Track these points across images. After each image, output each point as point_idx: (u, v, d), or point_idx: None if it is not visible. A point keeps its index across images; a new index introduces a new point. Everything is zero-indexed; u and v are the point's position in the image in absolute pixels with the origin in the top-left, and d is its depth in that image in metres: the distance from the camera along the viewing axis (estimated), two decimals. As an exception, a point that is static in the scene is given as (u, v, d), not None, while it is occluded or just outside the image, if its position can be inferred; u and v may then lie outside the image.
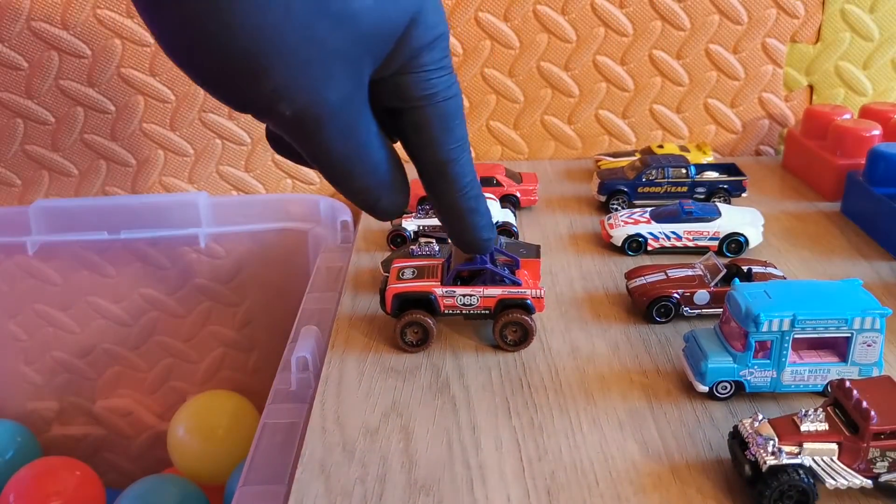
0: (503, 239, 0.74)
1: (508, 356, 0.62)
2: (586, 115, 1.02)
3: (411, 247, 0.74)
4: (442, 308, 0.63)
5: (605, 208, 0.87)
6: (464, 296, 0.63)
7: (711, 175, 0.87)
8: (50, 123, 0.96)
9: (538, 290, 0.63)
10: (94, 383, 1.07)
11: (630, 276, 0.69)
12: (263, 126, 0.98)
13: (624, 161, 0.93)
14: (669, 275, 0.68)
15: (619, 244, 0.78)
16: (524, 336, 0.63)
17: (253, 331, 1.07)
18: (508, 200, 0.87)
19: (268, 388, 1.07)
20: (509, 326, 0.63)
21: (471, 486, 0.49)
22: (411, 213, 0.83)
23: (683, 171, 0.86)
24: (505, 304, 0.63)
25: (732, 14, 0.96)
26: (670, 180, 0.86)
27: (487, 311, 0.63)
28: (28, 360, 1.05)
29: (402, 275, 0.65)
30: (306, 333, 0.67)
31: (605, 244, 0.79)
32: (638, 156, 0.94)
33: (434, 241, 0.74)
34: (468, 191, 0.51)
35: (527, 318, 0.62)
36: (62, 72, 0.93)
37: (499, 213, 0.80)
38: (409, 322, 0.63)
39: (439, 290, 0.63)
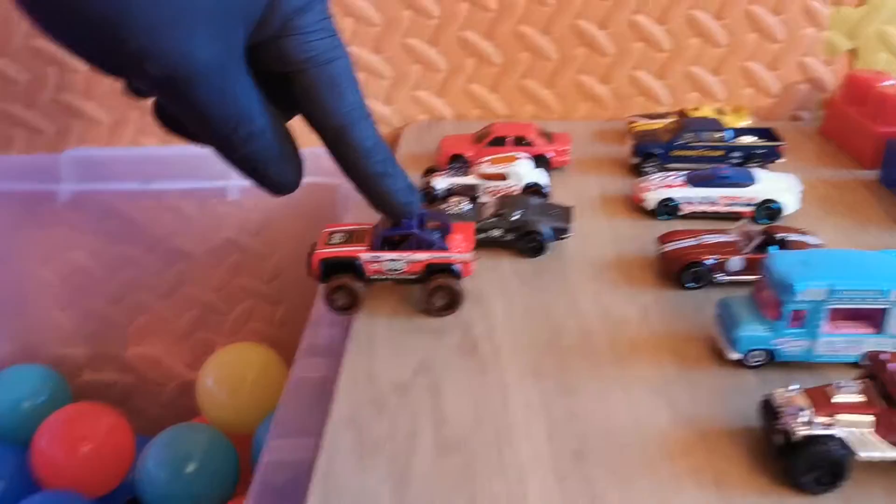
0: (534, 199, 0.73)
1: (538, 319, 0.62)
2: (620, 76, 1.00)
3: (442, 206, 0.73)
4: (369, 273, 0.62)
5: (637, 171, 0.86)
6: (390, 261, 0.62)
7: (747, 140, 0.86)
8: (81, 71, 0.96)
9: (466, 255, 0.62)
10: (125, 331, 1.09)
11: (663, 240, 0.69)
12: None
13: (658, 123, 0.92)
14: (703, 240, 0.67)
15: (652, 207, 0.77)
16: (453, 301, 0.62)
17: (281, 284, 1.08)
18: (540, 161, 0.86)
19: (295, 341, 1.08)
20: (438, 291, 0.62)
21: (499, 446, 0.50)
22: (442, 170, 0.82)
23: (719, 135, 0.85)
24: (432, 269, 0.61)
25: (776, -26, 0.94)
26: (705, 144, 0.85)
27: (415, 277, 0.62)
28: (60, 307, 1.07)
29: (332, 239, 0.64)
30: (337, 290, 0.67)
31: (638, 207, 0.79)
32: (673, 118, 0.93)
33: (467, 199, 0.74)
34: (373, 156, 0.50)
35: (454, 283, 0.61)
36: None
37: (530, 173, 0.79)
38: (336, 286, 0.62)
39: (365, 256, 0.62)
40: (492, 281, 0.67)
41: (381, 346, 0.59)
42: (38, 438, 0.91)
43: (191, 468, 0.87)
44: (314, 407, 0.57)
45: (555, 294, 0.66)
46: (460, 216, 0.71)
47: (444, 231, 0.63)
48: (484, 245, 0.71)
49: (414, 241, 0.61)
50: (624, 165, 0.89)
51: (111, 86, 0.96)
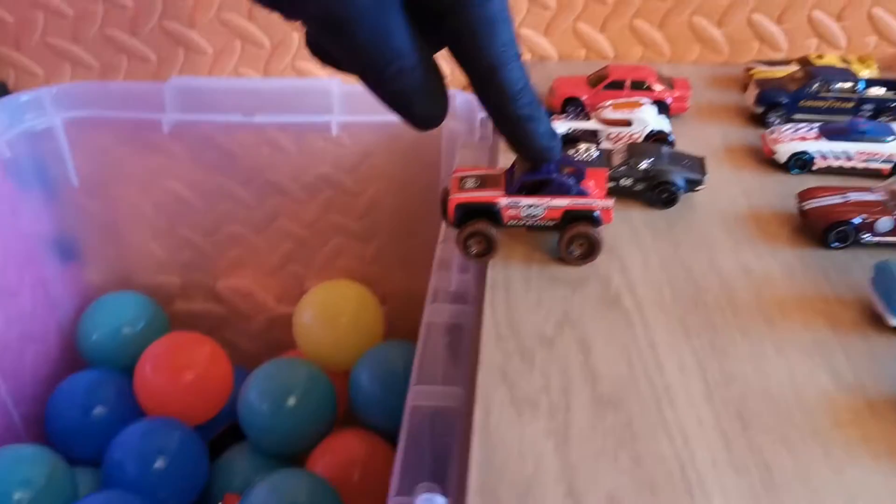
0: (666, 148, 0.71)
1: (678, 274, 0.60)
2: (738, 18, 0.96)
3: (568, 152, 0.71)
4: (505, 219, 0.60)
5: (760, 121, 0.83)
6: (529, 206, 0.59)
7: (880, 92, 0.82)
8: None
9: (606, 202, 0.59)
10: (217, 262, 1.09)
11: (804, 196, 0.66)
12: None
13: (781, 71, 0.88)
14: (849, 198, 0.64)
15: (783, 161, 0.74)
16: (591, 250, 0.60)
17: (373, 222, 1.07)
18: (659, 107, 0.83)
19: (384, 280, 1.09)
20: (576, 240, 0.60)
21: (659, 405, 0.48)
22: (560, 114, 0.80)
23: (850, 85, 0.81)
24: (571, 217, 0.59)
25: (917, -87, 0.88)
26: (836, 95, 0.81)
27: (553, 223, 0.60)
28: (155, 236, 1.07)
29: (464, 184, 0.62)
30: (466, 235, 0.65)
31: (765, 159, 0.76)
32: (795, 66, 0.89)
33: (593, 147, 0.71)
34: (521, 98, 0.49)
35: (593, 230, 0.59)
36: (200, -55, 0.91)
37: (654, 120, 0.76)
38: (472, 232, 0.60)
39: (504, 201, 0.59)
40: (623, 232, 0.65)
41: (520, 296, 0.58)
42: (141, 367, 0.92)
43: (292, 402, 0.88)
44: (454, 355, 0.57)
45: (690, 248, 0.64)
46: (589, 163, 0.69)
47: (579, 177, 0.61)
48: (613, 194, 0.69)
49: (554, 187, 0.59)
50: (745, 114, 0.86)
51: (215, 14, 0.95)
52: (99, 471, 0.89)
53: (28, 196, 0.95)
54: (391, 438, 0.91)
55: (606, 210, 0.59)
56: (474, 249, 0.61)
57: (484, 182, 0.62)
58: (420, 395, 0.53)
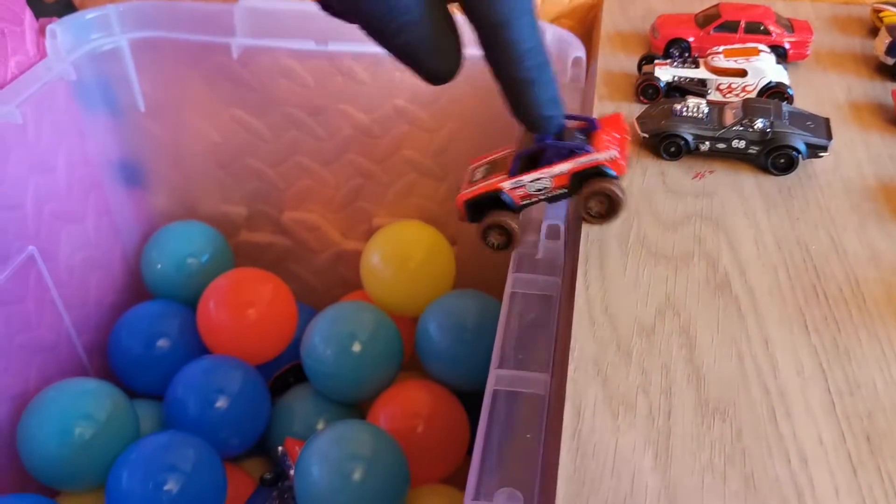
0: (787, 107, 0.63)
1: (795, 255, 0.54)
2: (870, -49, 0.85)
3: (675, 105, 0.64)
4: (517, 201, 0.55)
5: (892, 74, 0.73)
6: (533, 181, 0.54)
7: None
8: (260, -87, 0.87)
9: (610, 152, 0.52)
10: (283, 194, 1.05)
11: (945, 170, 0.58)
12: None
13: (917, 15, 0.78)
14: None
15: (919, 124, 0.65)
16: (612, 206, 0.54)
17: (447, 160, 1.01)
18: (776, 52, 0.74)
19: (457, 221, 1.03)
20: (593, 198, 0.54)
21: (773, 415, 0.43)
22: (664, 59, 0.72)
23: None
24: (581, 177, 0.53)
25: None
26: (983, 47, 0.71)
27: (566, 190, 0.54)
28: (221, 163, 1.03)
29: (474, 176, 0.58)
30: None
31: (896, 120, 0.67)
32: (933, 9, 0.78)
33: (704, 101, 0.64)
34: (527, 59, 0.44)
35: (608, 185, 0.53)
36: None
37: (772, 71, 0.68)
38: (488, 226, 0.56)
39: (507, 184, 0.54)
40: (734, 202, 0.59)
41: (615, 275, 0.52)
42: (205, 302, 0.90)
43: (357, 348, 0.84)
44: (540, 335, 0.52)
45: (809, 225, 0.57)
46: (697, 120, 0.62)
47: (589, 130, 0.54)
48: (722, 156, 0.62)
49: (550, 153, 0.53)
50: (871, 64, 0.76)
51: (290, -70, 0.88)
52: (161, 404, 0.88)
53: (94, 119, 0.92)
54: (457, 391, 0.87)
55: (613, 161, 0.53)
56: (494, 242, 0.56)
57: (492, 168, 0.57)
58: (503, 380, 0.48)
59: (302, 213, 1.07)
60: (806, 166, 0.62)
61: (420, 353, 0.88)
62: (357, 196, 1.05)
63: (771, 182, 0.61)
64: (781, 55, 0.75)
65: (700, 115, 0.62)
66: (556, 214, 0.58)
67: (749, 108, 0.62)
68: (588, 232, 0.56)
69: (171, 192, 1.04)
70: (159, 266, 0.96)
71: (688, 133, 0.62)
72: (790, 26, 0.76)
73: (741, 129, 0.61)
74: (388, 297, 0.92)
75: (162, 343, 0.91)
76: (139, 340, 0.90)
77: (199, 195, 1.05)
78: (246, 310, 0.89)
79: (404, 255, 0.91)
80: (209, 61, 0.93)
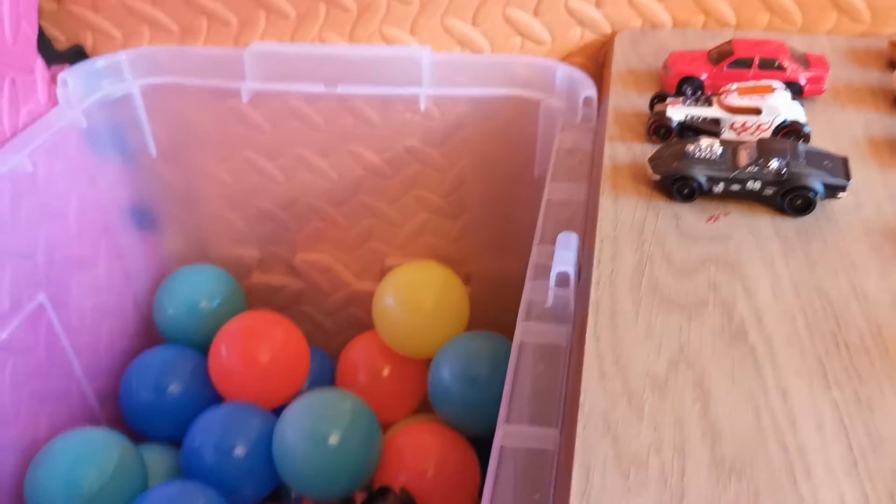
0: (803, 147, 0.61)
1: (814, 301, 0.52)
2: (885, -18, 0.83)
3: (687, 146, 0.62)
4: None
5: (911, 108, 0.72)
6: None
7: None
8: (270, -42, 0.88)
9: None
10: (296, 236, 1.05)
11: (969, 210, 0.56)
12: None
13: (936, 48, 0.76)
14: None
15: (941, 161, 0.63)
16: None
17: (460, 199, 1.00)
18: (791, 89, 0.72)
19: (470, 259, 1.02)
20: None
21: (792, 475, 0.41)
22: (676, 98, 0.70)
23: None
24: None
25: None
26: None
27: None
28: (233, 206, 1.03)
29: None
30: (565, 242, 0.58)
31: (917, 157, 0.65)
32: (953, 42, 0.77)
33: (717, 142, 0.62)
34: None
35: None
36: None
37: (787, 108, 0.66)
38: None
39: None
40: (749, 246, 0.57)
41: (627, 324, 0.51)
42: (216, 347, 0.89)
43: (333, 441, 0.80)
44: (549, 387, 0.50)
45: (829, 269, 0.55)
46: (711, 162, 0.61)
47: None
48: (737, 197, 0.61)
49: None
50: (890, 98, 0.75)
51: (299, -25, 0.88)
52: (173, 449, 0.87)
53: (105, 164, 0.92)
54: (469, 436, 0.85)
55: None
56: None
57: None
58: (510, 436, 0.46)
59: (314, 254, 1.06)
60: (824, 207, 0.60)
61: (432, 398, 0.86)
62: (369, 236, 1.04)
63: (788, 224, 0.59)
64: (797, 91, 0.73)
65: (713, 156, 0.61)
66: (567, 260, 0.56)
67: (764, 149, 0.60)
68: (599, 278, 0.54)
69: (183, 235, 1.04)
70: (171, 311, 0.95)
71: (701, 175, 0.60)
72: (805, 61, 0.75)
73: (756, 169, 0.59)
74: (400, 339, 0.91)
75: (173, 389, 0.90)
76: (150, 386, 0.90)
77: (212, 238, 1.05)
78: (258, 354, 0.88)
79: (417, 297, 0.90)
80: (220, 105, 0.93)
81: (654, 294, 0.53)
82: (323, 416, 0.80)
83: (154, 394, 0.89)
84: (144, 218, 1.00)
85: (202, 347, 0.93)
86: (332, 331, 1.10)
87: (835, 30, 0.87)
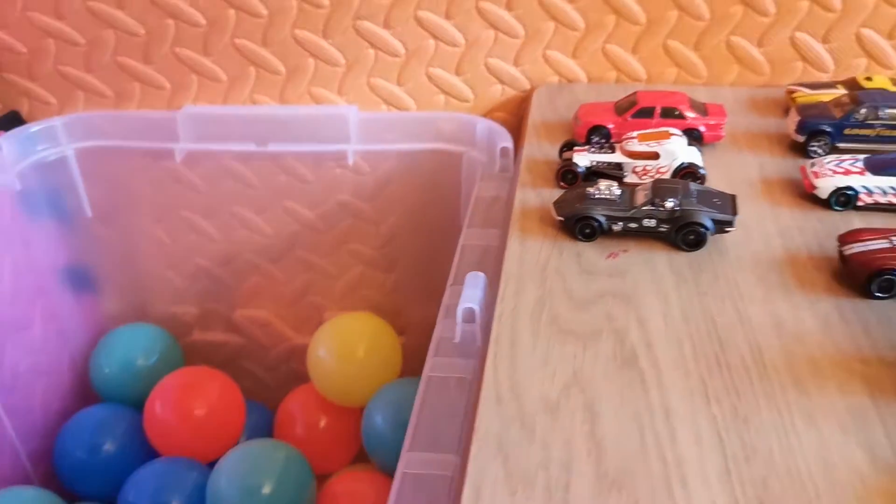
0: (694, 186, 0.65)
1: (701, 328, 0.55)
2: (780, 38, 0.89)
3: (588, 188, 0.66)
4: None
5: (802, 150, 0.76)
6: None
7: (935, 118, 0.75)
8: (201, 26, 0.91)
9: None
10: (234, 292, 1.07)
11: (844, 240, 0.60)
12: (418, 37, 0.91)
13: (825, 95, 0.81)
14: (895, 242, 0.58)
15: (825, 197, 0.68)
16: None
17: (393, 251, 1.03)
18: (691, 135, 0.77)
19: (405, 310, 1.04)
20: None
21: (669, 485, 0.43)
22: (583, 145, 0.75)
23: (901, 111, 0.74)
24: None
25: (976, -77, 0.81)
26: (885, 122, 0.74)
27: None
28: (171, 265, 1.05)
29: None
30: (473, 281, 0.61)
31: (805, 195, 0.70)
32: (841, 88, 0.82)
33: (616, 184, 0.66)
34: None
35: None
36: (214, -30, 0.88)
37: (683, 152, 0.71)
38: None
39: None
40: (645, 279, 0.60)
41: (525, 353, 0.53)
42: (151, 403, 0.90)
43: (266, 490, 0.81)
44: (452, 417, 0.52)
45: (717, 297, 0.58)
46: (610, 202, 0.64)
47: None
48: (636, 235, 0.64)
49: None
50: (785, 143, 0.80)
51: (229, 41, 0.92)
52: (107, 509, 0.87)
53: (40, 227, 0.94)
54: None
55: None
56: None
57: None
58: (412, 463, 0.48)
59: (253, 310, 1.08)
60: (717, 242, 0.64)
61: (367, 445, 0.87)
62: (307, 291, 1.06)
63: (682, 258, 0.63)
64: (697, 138, 0.78)
65: (612, 197, 0.65)
66: (473, 297, 0.59)
67: (658, 189, 0.64)
68: (501, 313, 0.57)
69: (120, 295, 1.05)
70: (107, 370, 0.96)
71: (601, 214, 0.64)
72: (704, 110, 0.80)
73: (651, 208, 0.63)
74: (334, 389, 0.92)
75: (107, 447, 0.90)
76: (83, 446, 0.90)
77: (150, 297, 1.06)
78: (192, 408, 0.89)
79: (349, 347, 0.92)
80: (155, 166, 0.96)
81: (552, 326, 0.56)
82: (256, 467, 0.81)
83: (88, 453, 0.89)
84: (81, 279, 1.01)
85: (138, 405, 0.94)
86: (272, 385, 1.11)
87: (737, 82, 0.93)
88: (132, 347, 0.97)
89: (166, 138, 0.92)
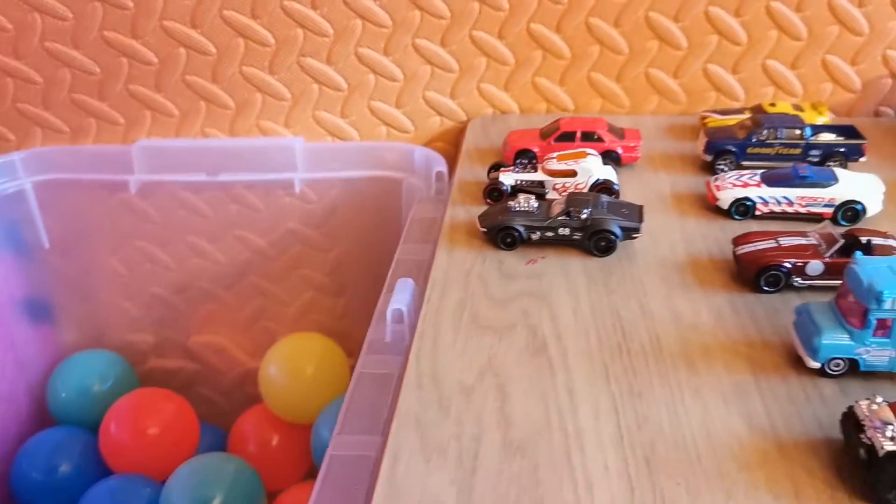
0: (605, 198, 0.72)
1: (607, 321, 0.61)
2: (694, 69, 0.97)
3: (509, 202, 0.72)
4: None
5: (710, 169, 0.83)
6: None
7: (828, 137, 0.82)
8: (153, 64, 0.97)
9: None
10: (189, 320, 1.11)
11: (738, 242, 0.66)
12: (359, 72, 0.97)
13: (732, 119, 0.89)
14: (781, 242, 0.64)
15: (726, 207, 0.74)
16: None
17: (342, 276, 1.08)
18: (609, 157, 0.84)
19: (355, 333, 1.09)
20: None
21: (567, 451, 0.48)
22: (509, 166, 0.81)
23: (798, 132, 0.82)
24: None
25: (860, -36, 0.90)
26: (783, 141, 0.82)
27: None
28: (127, 295, 1.09)
29: None
30: (402, 286, 0.66)
31: (710, 206, 0.76)
32: (748, 114, 0.90)
33: (533, 197, 0.72)
34: None
35: None
36: (166, 12, 0.94)
37: (600, 170, 0.77)
38: None
39: None
40: (559, 281, 0.66)
41: (446, 346, 0.58)
42: (107, 424, 0.93)
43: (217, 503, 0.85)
44: (379, 405, 0.57)
45: (624, 295, 0.64)
46: (528, 213, 0.70)
47: None
48: (552, 243, 0.70)
49: None
50: (696, 162, 0.87)
51: (180, 77, 0.98)
52: (64, 529, 0.89)
53: (-2, 258, 0.98)
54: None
55: None
56: None
57: None
58: (340, 445, 0.53)
59: (208, 336, 1.12)
60: (627, 248, 0.70)
61: (315, 460, 0.91)
62: (260, 316, 1.11)
63: (595, 263, 0.69)
64: (615, 159, 0.85)
65: (531, 209, 0.71)
66: (401, 300, 0.64)
67: (572, 201, 0.70)
68: (426, 313, 0.62)
69: (77, 324, 1.09)
70: (63, 395, 0.99)
71: (520, 225, 0.70)
72: (622, 134, 0.87)
73: (566, 218, 0.69)
74: (285, 405, 0.96)
75: (64, 468, 0.93)
76: (40, 467, 0.92)
77: (107, 326, 1.10)
78: (146, 427, 0.92)
79: (298, 365, 0.96)
80: (111, 198, 1.01)
81: (472, 322, 0.61)
82: (207, 479, 0.84)
83: (44, 474, 0.92)
84: (38, 309, 1.05)
85: (94, 429, 0.97)
86: (227, 409, 1.14)
87: (657, 110, 1.00)
88: (88, 373, 1.00)
89: (121, 171, 0.97)
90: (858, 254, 0.54)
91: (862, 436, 0.45)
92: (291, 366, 0.95)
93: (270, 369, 0.96)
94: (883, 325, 0.51)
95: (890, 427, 0.44)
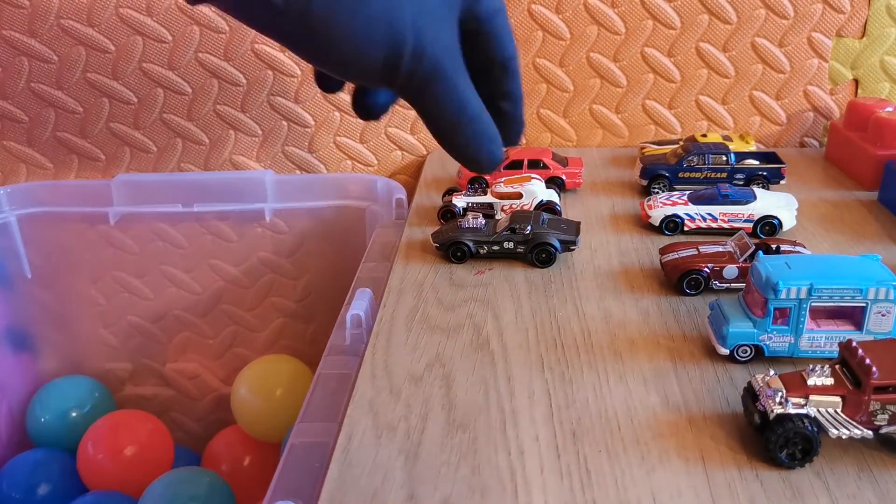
0: (545, 215, 0.79)
1: (545, 321, 0.67)
2: (633, 105, 1.06)
3: (459, 220, 0.79)
4: None
5: (646, 192, 0.91)
6: None
7: (751, 163, 0.91)
8: (132, 103, 1.04)
9: None
10: (165, 347, 1.16)
11: (664, 251, 0.74)
12: (326, 110, 1.05)
13: (667, 148, 0.97)
14: (701, 250, 0.72)
15: (657, 224, 0.82)
16: None
17: (312, 303, 1.14)
18: (555, 182, 0.92)
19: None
20: None
21: (503, 426, 0.54)
22: (461, 191, 0.88)
23: (724, 157, 0.90)
24: None
25: (779, 9, 0.99)
26: (710, 166, 0.90)
27: None
28: (106, 324, 1.14)
29: None
30: (360, 295, 0.73)
31: (645, 224, 0.84)
32: (681, 143, 0.98)
33: (481, 215, 0.79)
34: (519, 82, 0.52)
35: None
36: (145, 55, 1.02)
37: (543, 192, 0.85)
38: None
39: None
40: (504, 288, 0.73)
41: (399, 343, 0.65)
42: (85, 444, 0.97)
43: None
44: (338, 398, 0.63)
45: (561, 299, 0.71)
46: (476, 230, 0.77)
47: None
48: (498, 256, 0.77)
49: None
50: (634, 187, 0.94)
51: (157, 116, 1.04)
52: (43, 547, 0.93)
53: (-18, 287, 1.03)
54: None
55: None
56: None
57: None
58: (300, 433, 0.59)
59: (183, 363, 1.17)
60: (567, 260, 0.77)
61: (285, 472, 0.96)
62: (233, 342, 1.16)
63: (537, 273, 0.75)
64: (560, 184, 0.92)
65: (478, 226, 0.78)
66: (360, 306, 0.71)
67: (516, 218, 0.78)
68: (382, 316, 0.68)
69: (57, 353, 1.13)
70: (43, 419, 1.03)
71: (469, 240, 0.77)
72: (565, 162, 0.94)
73: (510, 233, 0.76)
74: (255, 424, 1.01)
75: (42, 489, 0.97)
76: (19, 488, 0.96)
77: (85, 355, 1.14)
78: (123, 447, 0.96)
79: (268, 385, 1.01)
80: (91, 230, 1.06)
81: (423, 324, 0.67)
82: (181, 492, 0.89)
83: (23, 495, 0.96)
84: (20, 339, 1.09)
85: (72, 451, 1.01)
86: (201, 435, 1.19)
87: (602, 143, 1.09)
88: (67, 398, 1.05)
89: (101, 203, 1.03)
90: (760, 253, 0.62)
91: (757, 404, 0.51)
92: (262, 386, 1.01)
93: (241, 390, 1.01)
94: (781, 314, 0.58)
95: (780, 393, 0.50)
